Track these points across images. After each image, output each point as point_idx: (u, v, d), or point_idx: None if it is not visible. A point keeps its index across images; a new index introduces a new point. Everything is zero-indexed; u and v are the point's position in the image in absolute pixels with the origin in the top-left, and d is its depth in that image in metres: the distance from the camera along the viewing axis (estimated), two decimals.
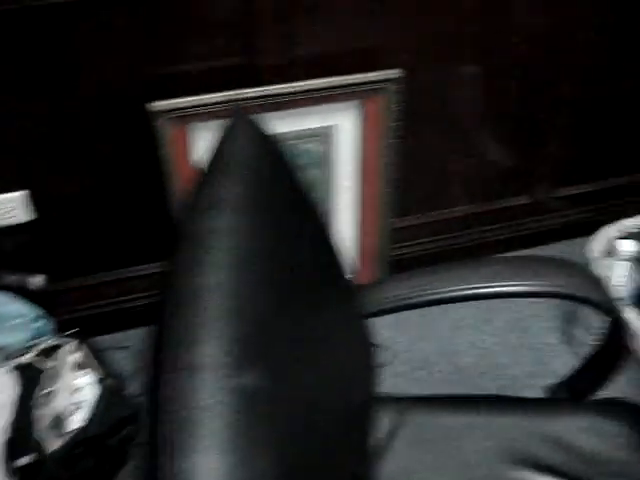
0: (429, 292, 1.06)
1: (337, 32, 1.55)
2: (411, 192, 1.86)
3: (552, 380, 1.77)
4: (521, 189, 2.00)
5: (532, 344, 1.86)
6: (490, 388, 1.77)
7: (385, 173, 1.73)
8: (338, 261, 0.96)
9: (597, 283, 1.13)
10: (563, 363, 1.82)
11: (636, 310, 1.80)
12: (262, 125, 0.87)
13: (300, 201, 0.88)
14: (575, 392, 1.25)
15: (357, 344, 0.99)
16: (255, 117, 0.87)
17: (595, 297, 1.11)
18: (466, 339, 1.88)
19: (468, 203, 1.96)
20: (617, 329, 1.13)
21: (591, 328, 1.78)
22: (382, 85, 1.60)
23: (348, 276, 0.99)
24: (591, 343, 1.77)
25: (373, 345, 1.06)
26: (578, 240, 2.08)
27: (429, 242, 1.97)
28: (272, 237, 0.75)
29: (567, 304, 1.91)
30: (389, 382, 1.77)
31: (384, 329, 1.85)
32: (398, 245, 1.93)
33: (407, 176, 1.80)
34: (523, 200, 2.01)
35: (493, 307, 1.92)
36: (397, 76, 1.60)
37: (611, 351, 1.16)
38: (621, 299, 1.71)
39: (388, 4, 1.54)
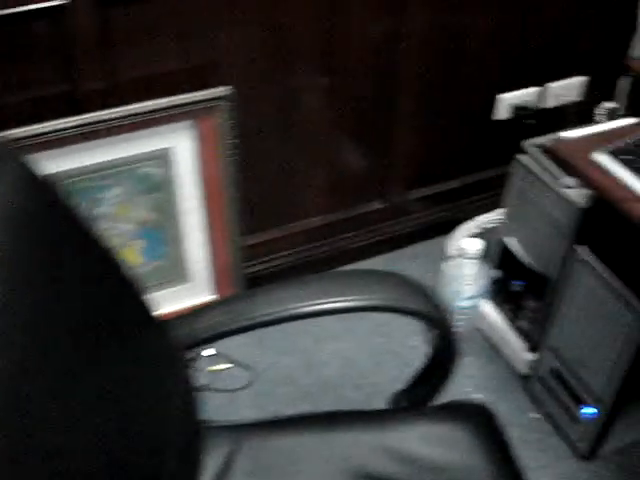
0: (246, 317, 1.03)
1: (163, 53, 1.52)
2: (262, 207, 1.84)
3: None
4: (376, 194, 2.00)
5: (394, 348, 1.86)
6: (355, 397, 1.76)
7: (229, 191, 1.69)
8: (137, 300, 0.92)
9: (423, 294, 1.13)
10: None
11: (491, 303, 1.83)
12: (32, 166, 0.82)
13: (81, 244, 0.84)
14: (416, 399, 1.24)
15: (169, 382, 0.95)
16: (26, 158, 0.83)
17: (420, 309, 1.11)
18: (330, 349, 1.87)
19: (323, 213, 1.95)
20: (445, 338, 1.13)
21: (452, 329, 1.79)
22: (214, 103, 1.57)
23: (154, 312, 0.95)
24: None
25: (193, 380, 1.02)
26: (438, 239, 2.11)
27: (287, 255, 1.95)
28: (28, 293, 0.71)
29: None
30: (251, 403, 1.75)
31: (243, 348, 1.82)
32: (256, 261, 1.90)
33: (256, 191, 1.78)
34: (378, 205, 2.01)
35: (355, 314, 1.91)
36: (228, 93, 1.57)
37: (442, 359, 1.15)
38: (474, 297, 1.73)
39: (216, 22, 1.51)
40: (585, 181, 1.31)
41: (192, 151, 1.64)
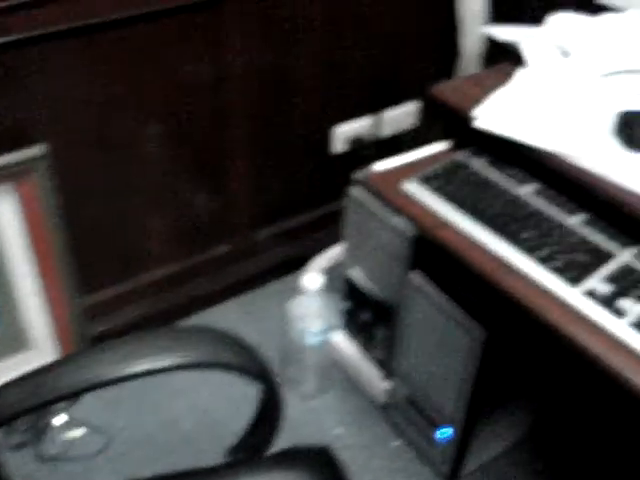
0: (47, 390, 0.98)
1: None
2: (103, 263, 1.79)
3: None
4: (221, 237, 1.97)
5: (251, 395, 1.82)
6: (214, 449, 1.71)
7: (60, 251, 1.64)
8: None
9: (241, 349, 1.11)
10: (286, 405, 1.80)
11: (344, 335, 1.83)
12: None
13: None
14: (252, 449, 1.21)
15: None
16: None
17: (242, 364, 1.09)
18: (186, 403, 1.82)
19: (168, 262, 1.91)
20: (268, 390, 1.12)
21: (306, 367, 1.78)
22: (30, 163, 1.52)
23: None
24: (308, 382, 1.79)
25: None
26: (293, 276, 2.09)
27: (135, 310, 1.89)
28: None
29: (276, 348, 1.91)
30: (108, 468, 1.68)
31: (97, 410, 1.76)
32: (102, 319, 1.84)
33: (93, 248, 1.74)
34: (225, 248, 1.98)
35: None
36: (43, 151, 1.52)
37: (269, 411, 1.14)
38: (323, 332, 1.72)
39: (25, 77, 1.46)
40: (396, 211, 1.32)
41: (15, 214, 1.58)
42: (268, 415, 1.17)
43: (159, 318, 1.91)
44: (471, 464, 1.68)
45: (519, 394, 1.67)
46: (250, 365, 1.10)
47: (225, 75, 1.72)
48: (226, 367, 1.09)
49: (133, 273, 1.86)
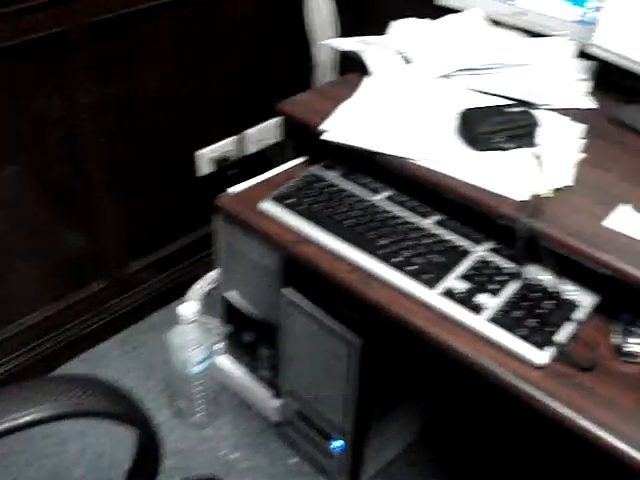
0: None
1: None
2: None
3: (172, 460, 1.72)
4: (94, 274, 1.92)
5: None
6: None
7: None
8: None
9: (116, 396, 1.07)
10: (179, 436, 1.78)
11: (229, 359, 1.82)
12: None
13: None
14: None
15: None
16: None
17: (112, 411, 1.05)
18: (77, 448, 1.77)
19: (44, 305, 1.84)
20: (145, 436, 1.08)
21: (194, 396, 1.76)
22: None
23: None
24: (198, 411, 1.77)
25: None
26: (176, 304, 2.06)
27: (14, 359, 1.82)
28: None
29: (163, 380, 1.88)
30: None
31: None
32: None
33: None
34: (100, 284, 1.94)
35: None
36: None
37: (148, 453, 1.11)
38: (205, 359, 1.70)
39: None
40: (254, 231, 1.31)
41: None
42: (147, 458, 1.13)
43: (39, 366, 1.84)
44: (369, 470, 1.69)
45: (408, 396, 1.69)
46: (120, 411, 1.06)
47: (76, 109, 1.68)
48: (96, 415, 1.05)
49: (6, 321, 1.79)
